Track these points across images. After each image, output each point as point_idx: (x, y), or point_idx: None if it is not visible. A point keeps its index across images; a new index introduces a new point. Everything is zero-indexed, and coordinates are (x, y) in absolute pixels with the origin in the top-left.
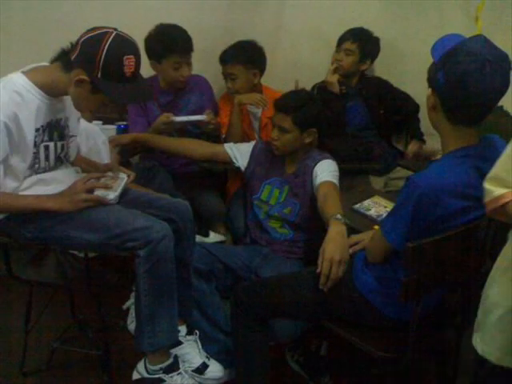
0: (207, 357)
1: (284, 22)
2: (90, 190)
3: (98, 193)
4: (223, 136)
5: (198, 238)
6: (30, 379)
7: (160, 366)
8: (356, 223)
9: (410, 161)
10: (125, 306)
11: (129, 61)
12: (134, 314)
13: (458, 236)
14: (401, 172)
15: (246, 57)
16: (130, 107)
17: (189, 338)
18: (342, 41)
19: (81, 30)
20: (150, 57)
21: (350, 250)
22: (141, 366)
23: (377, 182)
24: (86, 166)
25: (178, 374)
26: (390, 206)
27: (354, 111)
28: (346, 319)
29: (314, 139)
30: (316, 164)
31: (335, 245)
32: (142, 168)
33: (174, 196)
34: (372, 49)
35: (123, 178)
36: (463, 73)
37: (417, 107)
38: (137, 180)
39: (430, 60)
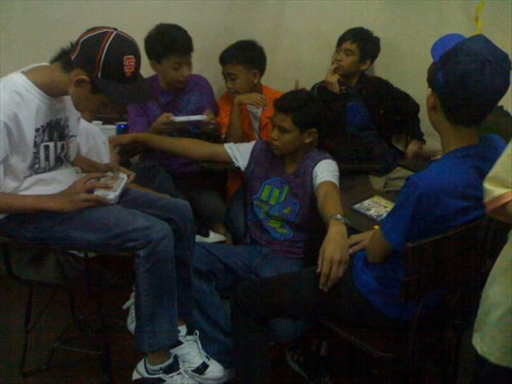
0: (207, 357)
1: (284, 22)
2: (90, 190)
3: (98, 193)
4: (223, 136)
5: (198, 238)
6: (30, 379)
7: (160, 366)
8: (356, 223)
9: (409, 161)
10: (125, 306)
11: (129, 61)
12: (133, 314)
13: (458, 236)
14: (401, 172)
15: (245, 57)
16: (129, 107)
17: (189, 337)
18: (342, 41)
19: (81, 29)
20: (149, 57)
21: (350, 250)
22: (141, 366)
23: (377, 182)
24: (86, 166)
25: (178, 373)
26: (389, 206)
27: (354, 111)
28: (345, 319)
29: (313, 139)
30: (316, 164)
31: (335, 245)
32: (142, 168)
33: (174, 196)
34: (372, 49)
35: (123, 178)
36: (463, 73)
37: (417, 107)
38: (137, 180)
39: (430, 60)
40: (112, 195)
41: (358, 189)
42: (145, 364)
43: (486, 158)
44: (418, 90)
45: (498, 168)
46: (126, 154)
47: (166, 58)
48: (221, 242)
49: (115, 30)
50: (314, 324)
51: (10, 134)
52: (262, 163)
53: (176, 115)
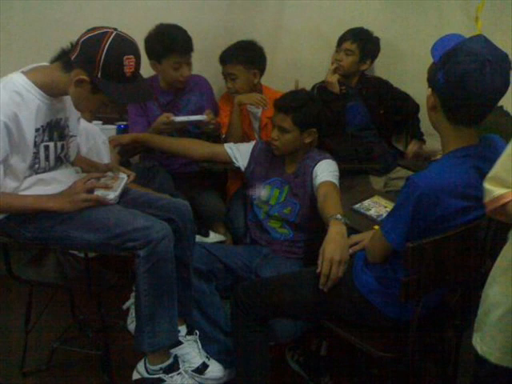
0: (207, 357)
1: (284, 22)
2: (90, 190)
3: (98, 193)
4: (223, 136)
5: (198, 238)
6: (30, 379)
7: (160, 366)
8: (356, 223)
9: (409, 161)
10: (125, 306)
11: (129, 61)
12: (133, 314)
13: (458, 236)
14: (401, 172)
15: (245, 57)
16: (129, 107)
17: (189, 337)
18: (342, 41)
19: (81, 29)
20: (149, 57)
21: (350, 250)
22: (141, 366)
23: (377, 182)
24: (86, 166)
25: (178, 373)
26: (389, 206)
27: (354, 111)
28: (346, 319)
29: (313, 139)
30: (316, 164)
31: (335, 245)
32: (142, 168)
33: (174, 196)
34: (372, 49)
35: (123, 178)
36: (463, 73)
37: (417, 107)
38: (137, 180)
39: (430, 60)
40: (112, 195)
41: (358, 189)
42: (145, 364)
43: (486, 158)
44: (418, 90)
45: (498, 168)
46: (126, 153)
47: (166, 58)
48: (221, 242)
49: (115, 29)
50: (314, 324)
51: (10, 134)
52: (262, 163)
53: (176, 115)
